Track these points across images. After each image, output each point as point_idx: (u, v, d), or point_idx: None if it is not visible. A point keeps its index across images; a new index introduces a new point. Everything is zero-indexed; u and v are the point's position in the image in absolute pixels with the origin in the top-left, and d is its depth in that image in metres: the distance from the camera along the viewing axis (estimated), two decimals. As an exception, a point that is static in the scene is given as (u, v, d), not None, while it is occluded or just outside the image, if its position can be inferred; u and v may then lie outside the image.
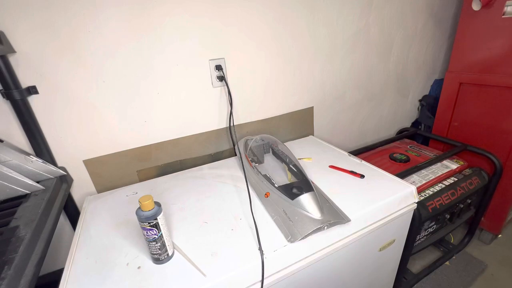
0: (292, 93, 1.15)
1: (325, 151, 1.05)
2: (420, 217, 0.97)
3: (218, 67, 0.95)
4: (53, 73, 0.75)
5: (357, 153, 1.29)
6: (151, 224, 0.53)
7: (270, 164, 0.96)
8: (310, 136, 1.23)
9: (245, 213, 0.71)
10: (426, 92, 1.65)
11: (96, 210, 0.78)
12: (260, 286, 0.57)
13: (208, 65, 0.94)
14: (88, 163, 0.88)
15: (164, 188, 0.87)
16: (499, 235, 1.47)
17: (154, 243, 0.55)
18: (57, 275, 0.57)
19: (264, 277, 0.56)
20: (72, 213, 0.89)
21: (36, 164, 0.77)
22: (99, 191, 0.92)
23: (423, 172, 1.16)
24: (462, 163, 1.23)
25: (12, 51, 0.69)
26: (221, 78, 0.96)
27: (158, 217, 0.53)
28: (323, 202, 0.68)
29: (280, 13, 0.99)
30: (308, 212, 0.63)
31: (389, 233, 0.80)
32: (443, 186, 1.10)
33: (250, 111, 1.09)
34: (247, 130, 1.11)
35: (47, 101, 0.77)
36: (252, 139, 0.97)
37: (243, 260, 0.57)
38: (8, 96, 0.70)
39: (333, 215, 0.64)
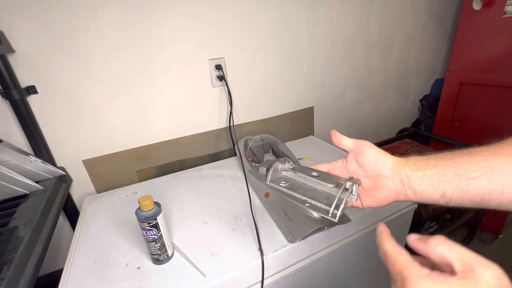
0: (292, 93, 1.15)
1: (325, 151, 1.05)
2: (421, 217, 0.97)
3: (218, 67, 0.94)
4: (52, 73, 0.75)
5: (357, 153, 1.29)
6: (150, 224, 0.52)
7: (270, 164, 0.95)
8: (310, 136, 1.23)
9: (245, 213, 0.70)
10: (427, 92, 1.64)
11: (96, 210, 0.78)
12: (260, 286, 0.56)
13: (208, 65, 0.94)
14: (88, 163, 0.87)
15: (164, 188, 0.87)
16: (500, 236, 1.47)
17: (153, 244, 0.54)
18: (57, 275, 0.56)
19: (264, 277, 0.56)
20: (72, 213, 0.88)
21: (35, 164, 0.76)
22: (99, 191, 0.91)
23: (424, 172, 1.16)
24: (462, 163, 1.22)
25: (11, 50, 0.69)
26: (221, 78, 0.96)
27: (157, 217, 0.53)
28: (324, 202, 0.68)
29: (280, 12, 0.99)
30: (308, 212, 0.62)
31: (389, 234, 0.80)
32: (444, 186, 1.10)
33: (250, 111, 1.09)
34: (247, 130, 1.10)
35: (46, 101, 0.77)
36: (252, 139, 0.96)
37: (243, 261, 0.56)
38: (7, 95, 0.70)
39: (333, 215, 0.64)
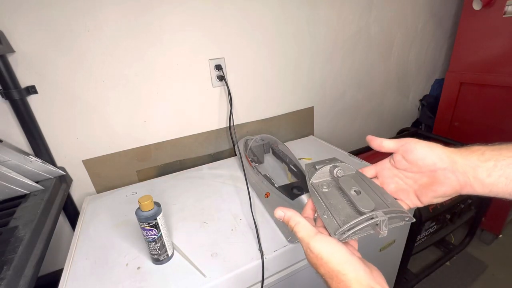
0: (292, 93, 1.15)
1: (325, 151, 1.05)
2: (421, 217, 0.97)
3: (218, 67, 0.94)
4: (52, 73, 0.75)
5: (357, 153, 1.29)
6: (150, 224, 0.52)
7: (270, 164, 0.96)
8: (311, 136, 1.23)
9: (245, 213, 0.70)
10: (427, 92, 1.64)
11: (96, 210, 0.78)
12: (260, 286, 0.56)
13: (208, 65, 0.94)
14: (88, 163, 0.87)
15: (163, 188, 0.87)
16: (500, 235, 1.47)
17: (153, 244, 0.54)
18: (57, 275, 0.56)
19: (264, 277, 0.56)
20: (72, 213, 0.88)
21: (35, 164, 0.76)
22: (99, 191, 0.91)
23: (424, 172, 1.16)
24: (462, 163, 1.22)
25: (11, 50, 0.69)
26: (221, 78, 0.96)
27: (157, 217, 0.53)
28: (324, 202, 0.67)
29: (280, 12, 0.99)
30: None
31: (389, 233, 0.79)
32: (444, 186, 1.10)
33: (250, 111, 1.09)
34: (247, 130, 1.10)
35: (46, 101, 0.77)
36: (252, 139, 0.96)
37: (243, 261, 0.56)
38: (7, 95, 0.70)
39: (333, 215, 0.64)
